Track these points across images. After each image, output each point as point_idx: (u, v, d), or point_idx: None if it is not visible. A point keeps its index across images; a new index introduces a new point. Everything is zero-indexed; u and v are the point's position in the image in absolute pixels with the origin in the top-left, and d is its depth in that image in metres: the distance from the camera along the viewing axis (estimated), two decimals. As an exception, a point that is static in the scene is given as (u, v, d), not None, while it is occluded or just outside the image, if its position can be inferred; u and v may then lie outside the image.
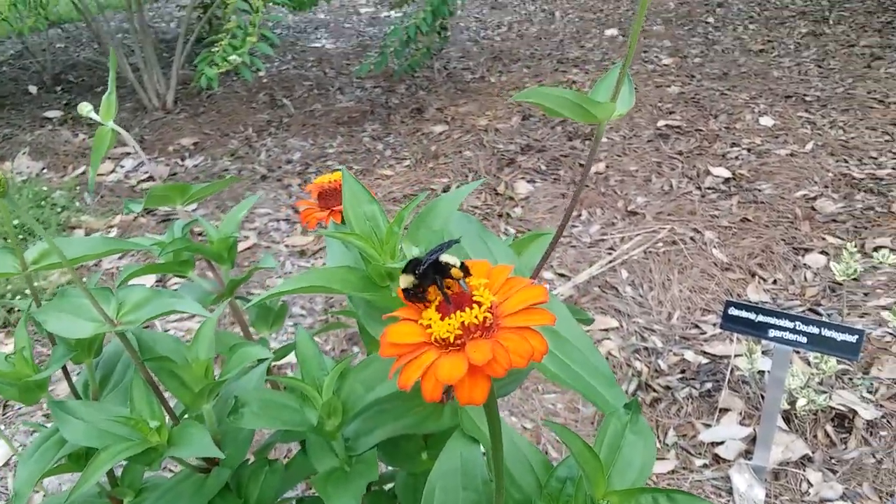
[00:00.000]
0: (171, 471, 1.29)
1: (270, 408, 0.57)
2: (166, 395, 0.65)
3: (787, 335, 1.33)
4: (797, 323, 1.32)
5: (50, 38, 4.46)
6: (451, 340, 0.34)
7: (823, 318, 1.70)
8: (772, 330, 1.35)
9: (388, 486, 0.75)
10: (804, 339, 1.31)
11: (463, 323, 0.34)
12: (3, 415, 1.75)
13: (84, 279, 0.60)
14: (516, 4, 4.88)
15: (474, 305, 0.35)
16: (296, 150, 3.02)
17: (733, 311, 1.38)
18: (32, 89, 3.87)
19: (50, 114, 3.51)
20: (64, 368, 0.69)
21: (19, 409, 1.79)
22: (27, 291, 2.02)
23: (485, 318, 0.34)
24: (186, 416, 0.64)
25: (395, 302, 0.51)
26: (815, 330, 1.30)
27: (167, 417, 0.61)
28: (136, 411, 0.59)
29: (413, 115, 3.25)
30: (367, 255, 0.51)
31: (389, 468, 0.73)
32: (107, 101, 0.74)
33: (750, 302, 1.93)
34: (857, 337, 1.27)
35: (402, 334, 0.36)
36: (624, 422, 0.51)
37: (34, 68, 4.13)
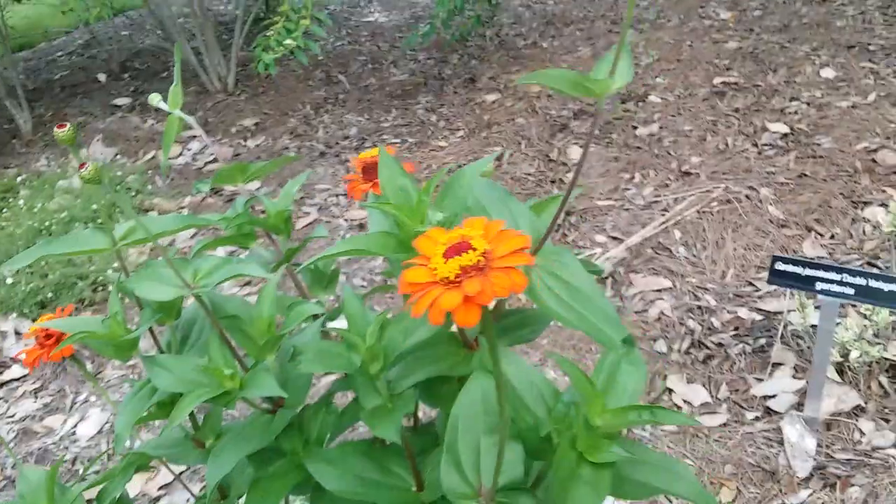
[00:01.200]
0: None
1: (324, 355, 0.65)
2: (237, 349, 0.74)
3: (834, 287, 1.34)
4: (844, 275, 1.32)
5: (115, 27, 4.64)
6: (452, 279, 0.42)
7: (870, 270, 1.68)
8: (819, 283, 1.35)
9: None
10: (851, 291, 1.32)
11: (461, 265, 0.41)
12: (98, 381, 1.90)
13: (159, 256, 0.68)
14: (569, -34, 4.82)
15: (470, 250, 0.41)
16: (352, 126, 3.10)
17: (780, 266, 1.39)
18: (101, 77, 4.06)
19: (119, 101, 3.68)
20: (150, 330, 0.79)
21: (108, 380, 1.93)
22: (114, 267, 2.16)
23: (478, 261, 0.41)
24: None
25: None
26: (861, 281, 1.30)
27: (239, 367, 0.70)
28: (213, 361, 0.67)
29: (465, 85, 3.29)
30: (400, 221, 0.58)
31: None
32: (174, 91, 0.81)
33: (797, 256, 1.92)
34: (905, 287, 1.27)
35: (414, 276, 0.44)
36: (620, 354, 0.57)
37: (102, 57, 4.32)
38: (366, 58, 3.82)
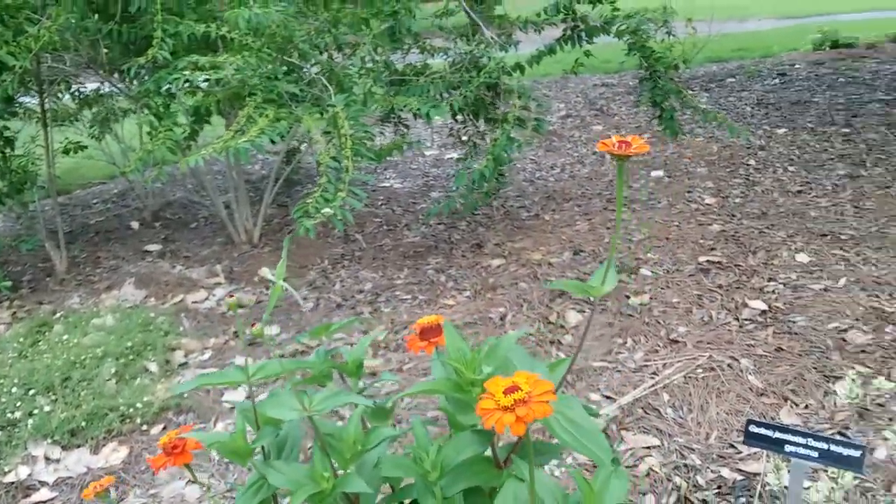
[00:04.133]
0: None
1: (398, 464, 0.86)
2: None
3: (801, 450, 1.51)
4: (808, 439, 1.50)
5: (157, 180, 5.02)
6: (509, 406, 0.69)
7: (832, 436, 1.86)
8: (787, 445, 1.53)
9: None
10: (815, 454, 1.50)
11: (514, 399, 0.65)
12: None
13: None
14: (569, 147, 5.30)
15: (519, 391, 0.64)
16: (367, 281, 3.36)
17: (753, 428, 1.58)
18: (134, 224, 4.38)
19: (150, 247, 3.97)
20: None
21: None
22: (143, 401, 2.32)
23: (524, 396, 0.64)
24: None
25: (474, 400, 0.81)
26: (823, 445, 1.48)
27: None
28: (315, 467, 0.88)
29: (473, 250, 3.58)
30: (459, 371, 0.81)
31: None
32: (280, 266, 1.05)
33: (768, 420, 2.10)
34: (860, 452, 1.45)
35: (486, 404, 0.71)
36: (610, 470, 0.77)
37: (136, 206, 4.67)
38: (381, 220, 4.15)
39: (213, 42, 3.11)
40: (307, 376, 1.10)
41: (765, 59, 7.87)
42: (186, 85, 3.18)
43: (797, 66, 7.30)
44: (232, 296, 0.92)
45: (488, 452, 0.88)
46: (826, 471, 1.87)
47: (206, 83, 3.37)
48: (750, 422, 1.60)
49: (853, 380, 2.03)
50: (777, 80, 6.69)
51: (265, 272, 1.06)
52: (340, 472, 0.91)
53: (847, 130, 4.88)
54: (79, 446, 2.21)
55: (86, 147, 4.23)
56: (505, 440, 1.06)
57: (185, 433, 0.97)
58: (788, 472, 1.82)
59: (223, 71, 2.83)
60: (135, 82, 3.45)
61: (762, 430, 1.58)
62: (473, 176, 3.33)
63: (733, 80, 6.87)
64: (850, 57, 7.47)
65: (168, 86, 2.90)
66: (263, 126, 2.73)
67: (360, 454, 0.90)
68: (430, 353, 1.04)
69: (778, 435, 1.55)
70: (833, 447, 1.48)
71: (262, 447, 0.99)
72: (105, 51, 3.44)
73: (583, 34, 3.79)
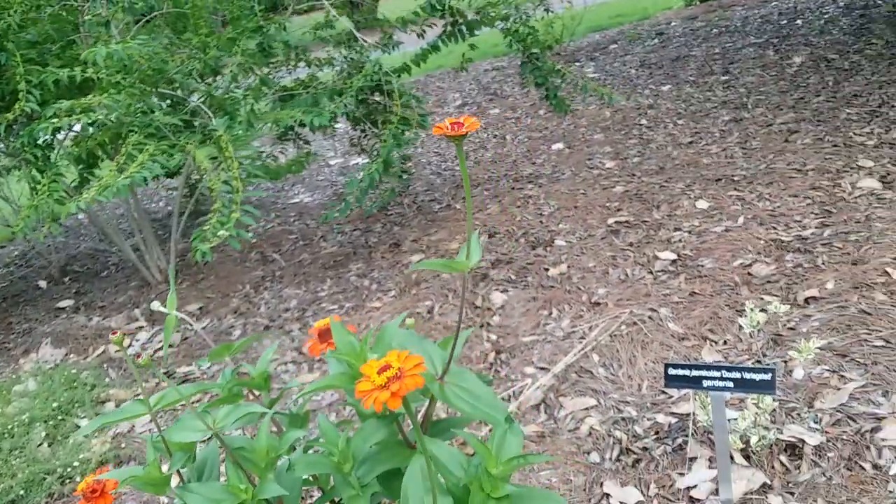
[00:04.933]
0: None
1: (310, 462, 0.88)
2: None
3: (718, 383, 1.61)
4: (722, 371, 1.60)
5: (51, 235, 4.85)
6: (383, 384, 0.74)
7: (742, 365, 1.98)
8: (705, 381, 1.63)
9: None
10: (731, 384, 1.59)
11: (387, 377, 0.72)
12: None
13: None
14: (471, 134, 5.37)
15: (390, 368, 0.70)
16: (292, 299, 3.34)
17: (672, 371, 1.67)
18: (42, 284, 4.22)
19: (63, 303, 3.84)
20: (178, 472, 1.01)
21: None
22: (80, 458, 2.26)
23: (395, 373, 0.71)
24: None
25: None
26: (737, 375, 1.58)
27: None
28: (231, 481, 0.88)
29: (391, 250, 3.61)
30: (350, 364, 0.84)
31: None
32: (170, 298, 1.05)
33: (683, 361, 2.22)
34: (770, 375, 1.55)
35: (363, 387, 0.76)
36: (505, 428, 0.83)
37: (40, 264, 4.50)
38: (296, 235, 4.13)
39: (83, 85, 3.03)
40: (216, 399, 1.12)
41: (642, 21, 8.15)
42: (59, 133, 3.10)
43: (673, 23, 7.59)
44: (115, 332, 0.93)
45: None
46: (749, 398, 1.98)
47: (81, 128, 3.29)
48: (668, 365, 1.69)
49: (751, 309, 2.16)
50: (656, 41, 6.95)
51: (156, 305, 1.07)
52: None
53: (726, 78, 5.12)
54: (20, 517, 2.14)
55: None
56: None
57: (102, 475, 0.97)
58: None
59: (94, 113, 2.77)
60: (11, 138, 3.33)
61: (680, 372, 1.67)
62: (366, 179, 3.34)
63: (616, 45, 7.10)
64: (720, 8, 7.81)
65: (43, 137, 2.81)
66: (143, 161, 2.68)
67: (274, 461, 0.93)
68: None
69: (695, 373, 1.64)
70: (746, 374, 1.58)
71: (180, 474, 1.00)
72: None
73: (462, 28, 3.85)
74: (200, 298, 3.53)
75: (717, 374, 1.60)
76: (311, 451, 1.05)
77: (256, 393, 1.12)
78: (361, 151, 4.31)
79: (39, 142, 2.90)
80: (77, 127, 2.89)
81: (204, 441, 0.99)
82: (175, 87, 3.14)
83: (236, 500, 0.86)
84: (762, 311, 2.38)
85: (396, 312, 2.97)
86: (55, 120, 2.75)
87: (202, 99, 3.15)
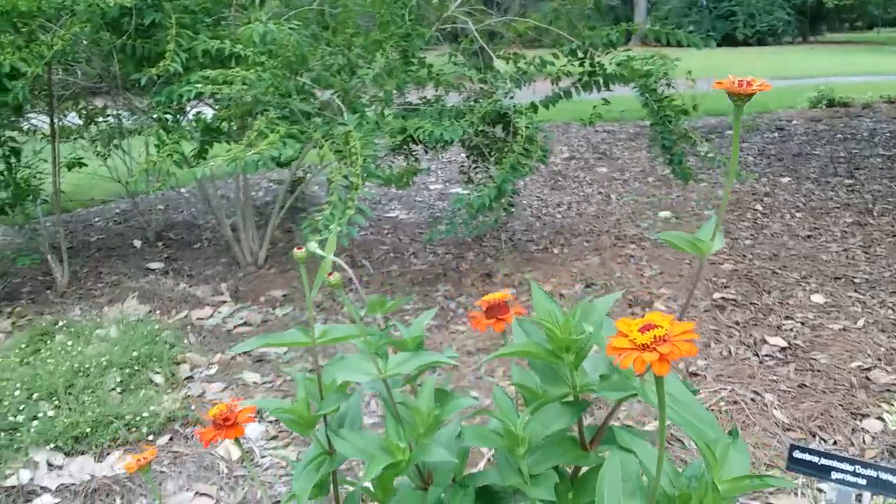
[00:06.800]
0: None
1: (482, 435, 0.79)
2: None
3: (848, 478, 1.46)
4: (857, 466, 1.45)
5: (151, 202, 4.97)
6: (648, 344, 0.63)
7: (878, 463, 1.81)
8: (834, 472, 1.48)
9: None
10: (864, 482, 1.44)
11: (654, 336, 0.61)
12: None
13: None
14: (574, 187, 5.30)
15: (658, 328, 0.59)
16: (376, 306, 3.29)
17: (797, 454, 1.52)
18: (136, 243, 4.30)
19: (153, 265, 3.89)
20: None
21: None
22: (151, 410, 2.23)
23: (665, 334, 0.59)
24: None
25: (567, 367, 0.76)
26: (873, 473, 1.43)
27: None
28: (389, 436, 0.81)
29: (482, 279, 3.54)
30: (552, 333, 0.76)
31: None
32: (330, 240, 1.00)
33: (812, 447, 2.05)
34: (914, 478, 1.39)
35: (618, 343, 0.65)
36: (728, 443, 0.72)
37: (138, 225, 4.60)
38: (388, 247, 4.11)
39: (226, 60, 3.10)
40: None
41: (762, 114, 7.98)
42: (201, 98, 3.16)
43: (794, 122, 7.42)
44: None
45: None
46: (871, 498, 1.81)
47: (218, 101, 3.36)
48: (794, 447, 1.54)
49: (883, 420, 1.99)
50: (776, 134, 6.78)
51: (313, 246, 1.01)
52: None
53: (850, 182, 4.93)
54: (83, 453, 2.11)
55: (86, 164, 4.18)
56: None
57: (253, 401, 0.91)
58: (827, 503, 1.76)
59: (234, 86, 2.81)
60: (145, 98, 3.42)
61: (807, 456, 1.52)
62: (474, 202, 3.28)
63: (732, 132, 6.95)
64: (846, 115, 7.60)
65: (185, 97, 2.87)
66: (274, 140, 2.70)
67: (434, 425, 0.84)
68: (499, 331, 0.99)
69: (824, 461, 1.50)
70: (882, 475, 1.43)
71: (325, 419, 0.93)
72: (118, 65, 3.42)
73: (599, 80, 3.80)
74: (286, 286, 3.52)
75: (849, 467, 1.45)
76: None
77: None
78: (468, 181, 4.27)
79: (173, 102, 2.96)
80: (213, 99, 2.93)
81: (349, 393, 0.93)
82: (314, 76, 3.17)
83: (391, 458, 0.79)
84: (879, 419, 2.21)
85: (481, 339, 2.88)
86: (199, 85, 2.80)
87: (336, 93, 3.18)
